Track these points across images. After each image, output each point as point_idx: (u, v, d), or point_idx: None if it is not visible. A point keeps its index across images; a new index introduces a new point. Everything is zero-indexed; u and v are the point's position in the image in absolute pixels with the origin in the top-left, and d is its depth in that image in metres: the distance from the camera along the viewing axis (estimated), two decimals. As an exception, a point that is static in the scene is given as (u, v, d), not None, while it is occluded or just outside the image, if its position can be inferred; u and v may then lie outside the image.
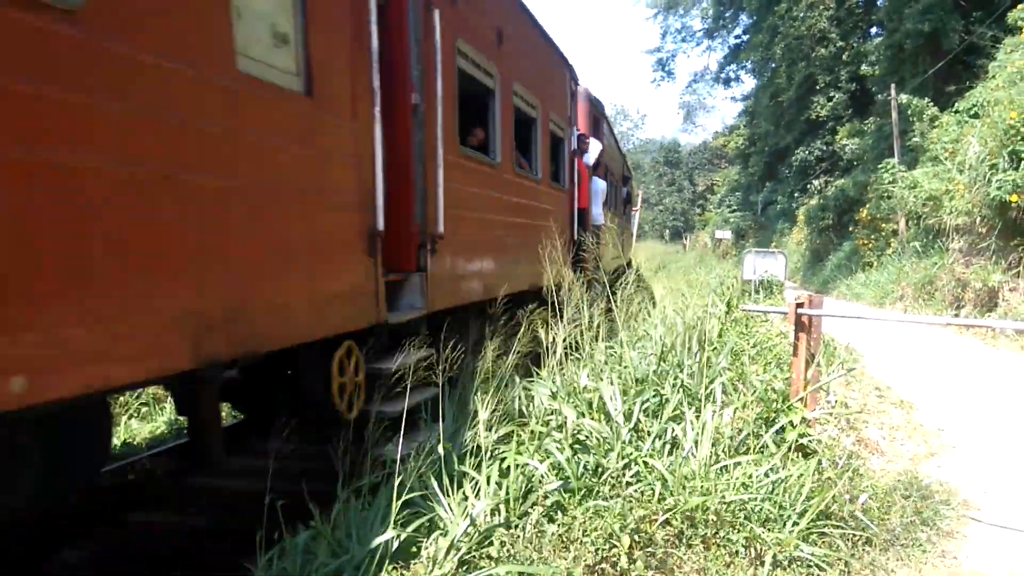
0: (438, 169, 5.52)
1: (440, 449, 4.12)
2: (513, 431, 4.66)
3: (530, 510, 3.88)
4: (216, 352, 3.25)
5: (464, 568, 3.42)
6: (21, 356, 2.37)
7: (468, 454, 4.36)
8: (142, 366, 2.89)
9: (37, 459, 3.86)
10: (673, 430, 4.76)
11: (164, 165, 2.94)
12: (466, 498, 3.92)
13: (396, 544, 3.45)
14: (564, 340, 5.55)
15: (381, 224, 4.65)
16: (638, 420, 4.88)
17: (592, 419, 4.84)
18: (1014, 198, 12.38)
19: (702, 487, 4.12)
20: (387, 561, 3.39)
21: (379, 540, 3.40)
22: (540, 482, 4.10)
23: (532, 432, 4.63)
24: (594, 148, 11.95)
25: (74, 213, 2.55)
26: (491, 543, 3.59)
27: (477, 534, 3.61)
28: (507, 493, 3.95)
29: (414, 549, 3.52)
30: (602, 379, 5.30)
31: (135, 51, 2.80)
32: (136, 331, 2.82)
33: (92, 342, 2.63)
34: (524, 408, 5.19)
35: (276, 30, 3.81)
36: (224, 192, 3.32)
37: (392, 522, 3.51)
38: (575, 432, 4.68)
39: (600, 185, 12.04)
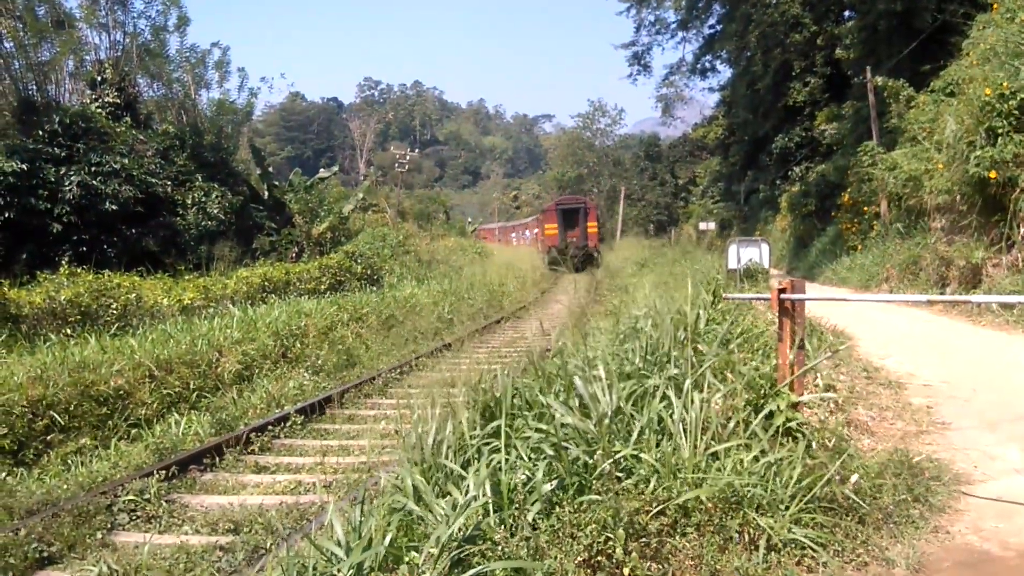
0: None
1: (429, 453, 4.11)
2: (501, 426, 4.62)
3: (517, 512, 3.86)
4: None
5: (458, 568, 3.39)
6: None
7: (456, 452, 4.33)
8: None
9: None
10: (661, 420, 4.74)
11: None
12: (456, 500, 3.90)
13: (384, 551, 3.43)
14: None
15: None
16: (623, 412, 4.85)
17: (579, 415, 4.80)
18: (992, 174, 12.42)
19: (693, 477, 4.11)
20: (378, 570, 3.37)
21: (370, 551, 3.39)
22: (530, 485, 4.07)
23: (520, 432, 4.60)
24: None
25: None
26: (484, 541, 3.57)
27: (468, 533, 3.59)
28: (499, 494, 3.93)
29: (406, 559, 3.50)
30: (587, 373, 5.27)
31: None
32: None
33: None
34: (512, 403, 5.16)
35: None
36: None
37: (383, 529, 3.49)
38: (562, 426, 4.64)
39: None
